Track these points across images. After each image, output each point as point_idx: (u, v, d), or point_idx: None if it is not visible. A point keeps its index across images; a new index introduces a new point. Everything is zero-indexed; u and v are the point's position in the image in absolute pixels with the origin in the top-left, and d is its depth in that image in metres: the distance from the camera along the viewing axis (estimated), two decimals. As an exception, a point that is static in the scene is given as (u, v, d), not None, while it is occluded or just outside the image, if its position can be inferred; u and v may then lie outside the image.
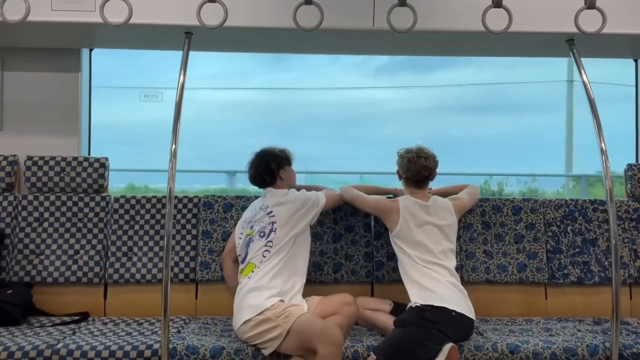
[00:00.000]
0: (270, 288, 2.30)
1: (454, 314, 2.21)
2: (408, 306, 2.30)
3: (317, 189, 2.68)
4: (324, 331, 2.13)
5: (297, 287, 2.39)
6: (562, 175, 7.86)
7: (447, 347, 2.11)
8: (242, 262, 2.44)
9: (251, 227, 2.46)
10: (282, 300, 2.26)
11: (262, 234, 2.41)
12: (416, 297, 2.29)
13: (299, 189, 2.61)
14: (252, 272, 2.36)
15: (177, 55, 2.48)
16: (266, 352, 2.17)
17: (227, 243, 2.65)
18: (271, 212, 2.44)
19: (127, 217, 2.79)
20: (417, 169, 2.54)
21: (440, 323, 2.17)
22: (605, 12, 2.18)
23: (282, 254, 2.37)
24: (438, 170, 2.60)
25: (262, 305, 2.22)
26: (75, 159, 2.84)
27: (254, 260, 2.38)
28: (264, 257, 2.37)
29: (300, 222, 2.44)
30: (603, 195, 2.38)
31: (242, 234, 2.51)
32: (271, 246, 2.38)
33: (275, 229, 2.40)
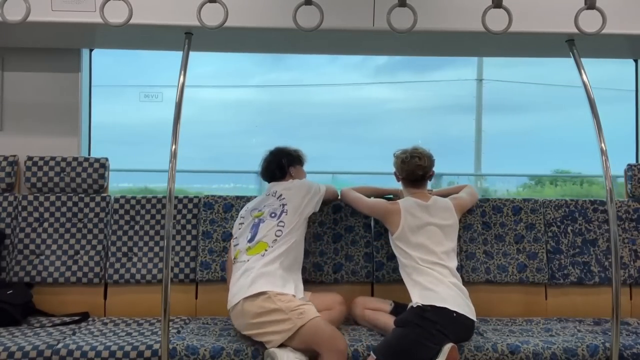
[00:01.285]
0: (287, 271, 2.31)
1: (454, 314, 2.21)
2: (409, 306, 2.30)
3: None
4: (331, 339, 2.13)
5: (299, 276, 2.40)
6: (522, 175, 7.96)
7: (447, 347, 2.11)
8: (250, 241, 2.40)
9: (260, 210, 2.47)
10: (294, 296, 2.25)
11: (273, 215, 2.42)
12: (417, 297, 2.28)
13: None
14: (266, 250, 2.34)
15: (177, 55, 2.49)
16: (270, 345, 2.14)
17: (230, 249, 2.61)
18: (281, 195, 2.47)
19: (127, 217, 2.79)
20: (411, 169, 2.54)
21: (441, 323, 2.17)
22: (605, 12, 2.19)
23: (293, 237, 2.38)
24: None
25: (279, 287, 2.21)
26: (75, 159, 2.84)
27: (265, 239, 2.37)
28: (277, 236, 2.37)
29: (307, 207, 2.47)
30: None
31: (243, 217, 2.52)
32: (283, 226, 2.38)
33: (287, 210, 2.42)
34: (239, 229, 2.51)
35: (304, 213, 2.46)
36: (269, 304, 2.17)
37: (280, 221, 2.40)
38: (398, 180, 2.64)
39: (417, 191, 2.57)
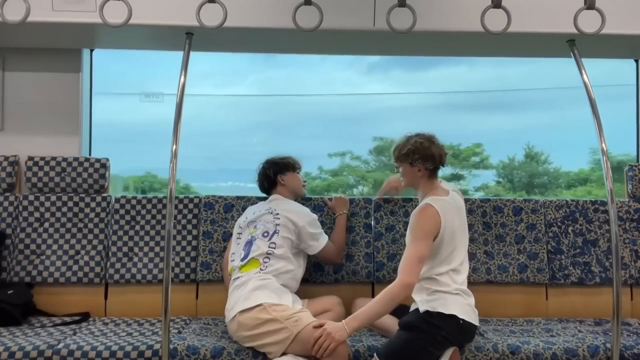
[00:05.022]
0: (280, 285, 2.31)
1: (461, 322, 2.15)
2: (414, 308, 2.23)
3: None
4: None
5: (294, 292, 2.40)
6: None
7: (449, 351, 2.10)
8: (243, 260, 2.40)
9: (255, 226, 2.47)
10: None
11: (265, 234, 2.41)
12: (425, 303, 2.17)
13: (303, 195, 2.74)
14: (260, 269, 2.33)
15: (178, 54, 2.49)
16: (272, 356, 2.13)
17: (226, 250, 2.63)
18: (278, 214, 2.46)
19: (127, 217, 2.80)
20: (439, 152, 2.23)
21: (447, 330, 2.11)
22: (605, 12, 2.18)
23: (285, 259, 2.38)
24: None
25: (276, 299, 2.22)
26: (76, 159, 2.84)
27: (257, 257, 2.37)
28: (269, 254, 2.36)
29: (298, 237, 2.44)
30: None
31: (240, 231, 2.52)
32: (274, 248, 2.38)
33: (278, 231, 2.41)
34: (238, 239, 2.51)
35: (295, 241, 2.43)
36: (264, 314, 2.16)
37: (272, 242, 2.39)
38: (421, 175, 2.25)
39: (437, 183, 2.28)
